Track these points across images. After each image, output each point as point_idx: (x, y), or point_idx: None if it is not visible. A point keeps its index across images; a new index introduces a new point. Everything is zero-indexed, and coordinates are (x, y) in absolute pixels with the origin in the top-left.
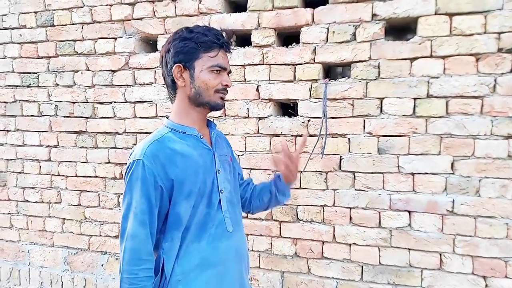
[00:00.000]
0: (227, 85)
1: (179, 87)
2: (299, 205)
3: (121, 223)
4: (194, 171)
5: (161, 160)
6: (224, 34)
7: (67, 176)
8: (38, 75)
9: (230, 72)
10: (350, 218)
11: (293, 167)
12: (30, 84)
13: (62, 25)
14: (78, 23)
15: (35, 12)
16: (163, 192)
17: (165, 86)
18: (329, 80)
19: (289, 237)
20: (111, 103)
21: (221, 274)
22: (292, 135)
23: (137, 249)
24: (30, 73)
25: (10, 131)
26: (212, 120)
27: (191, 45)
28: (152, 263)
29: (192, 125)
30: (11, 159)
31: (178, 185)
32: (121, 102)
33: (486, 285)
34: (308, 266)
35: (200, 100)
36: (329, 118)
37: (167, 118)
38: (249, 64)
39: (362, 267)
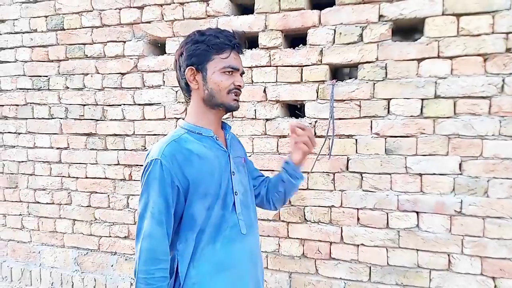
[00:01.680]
0: (239, 86)
1: (193, 89)
2: (307, 206)
3: (137, 223)
4: (210, 172)
5: (178, 160)
6: (236, 35)
7: (77, 178)
8: (49, 78)
9: (243, 73)
10: (358, 219)
11: (309, 135)
12: (41, 87)
13: (72, 28)
14: (88, 27)
15: (46, 16)
16: (180, 192)
17: (172, 89)
18: (336, 81)
19: (297, 238)
20: (120, 105)
21: (236, 277)
22: None
23: (153, 249)
24: (41, 76)
25: (21, 133)
26: (226, 122)
27: (203, 47)
28: (168, 263)
29: (208, 127)
30: (22, 161)
31: (194, 186)
32: (130, 105)
33: (495, 286)
34: (316, 266)
35: (214, 101)
36: (336, 119)
37: (183, 119)
38: (256, 66)
39: (370, 267)
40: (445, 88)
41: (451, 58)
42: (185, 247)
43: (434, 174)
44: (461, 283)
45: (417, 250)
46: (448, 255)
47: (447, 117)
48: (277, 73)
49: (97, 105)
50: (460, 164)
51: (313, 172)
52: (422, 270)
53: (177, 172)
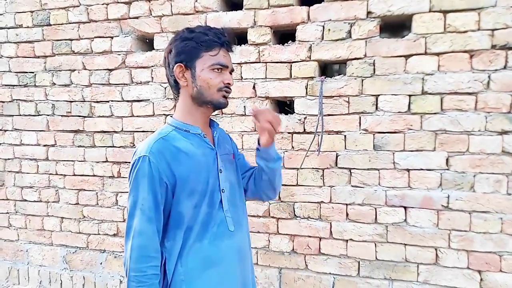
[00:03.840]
0: (229, 84)
1: (182, 87)
2: (296, 202)
3: (126, 221)
4: (197, 170)
5: (166, 157)
6: (225, 32)
7: (65, 175)
8: (35, 74)
9: (232, 70)
10: (347, 214)
11: (270, 114)
12: (27, 83)
13: (58, 24)
14: (75, 22)
15: (31, 12)
16: (168, 189)
17: (161, 85)
18: (325, 77)
19: (287, 234)
20: (108, 102)
21: (223, 273)
22: (288, 133)
23: (144, 246)
24: (27, 72)
25: (7, 130)
26: (215, 119)
27: (191, 44)
28: (159, 260)
29: (196, 124)
30: (8, 159)
31: (181, 183)
32: (118, 101)
33: (481, 279)
34: (305, 262)
35: (202, 99)
36: (325, 115)
37: (171, 117)
38: (246, 62)
39: (359, 262)
40: (432, 84)
41: (438, 54)
42: (173, 245)
43: (422, 169)
44: (448, 276)
45: (405, 244)
46: (436, 249)
47: (434, 113)
48: (266, 69)
49: (85, 101)
50: (447, 160)
51: (302, 168)
52: (410, 265)
53: (165, 169)
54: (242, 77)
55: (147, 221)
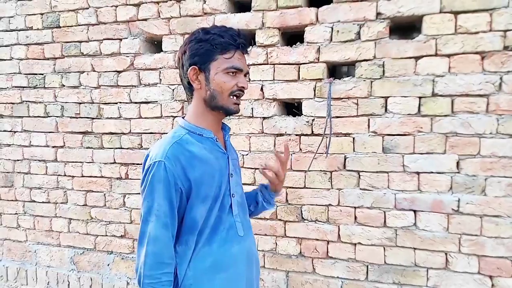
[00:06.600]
0: (243, 87)
1: (195, 89)
2: (304, 205)
3: (140, 226)
4: (211, 175)
5: (182, 162)
6: (241, 34)
7: (73, 177)
8: (45, 76)
9: (247, 73)
10: (355, 218)
11: (282, 175)
12: (37, 85)
13: (68, 26)
14: (84, 24)
15: (41, 14)
16: (182, 195)
17: (169, 87)
18: (334, 79)
19: (294, 237)
20: (116, 103)
21: (232, 278)
22: (296, 135)
23: (160, 252)
24: (36, 74)
25: (17, 132)
26: (226, 124)
27: (206, 46)
28: (173, 266)
29: (208, 128)
30: (18, 160)
31: (196, 189)
32: (126, 103)
33: (493, 285)
34: (313, 265)
35: (214, 103)
36: (333, 117)
37: (183, 118)
38: (254, 64)
39: (367, 266)
40: (443, 86)
41: (448, 56)
42: (185, 249)
43: (432, 172)
44: (459, 281)
45: (415, 248)
46: (446, 253)
47: (445, 116)
48: (274, 71)
49: (93, 103)
50: (457, 163)
51: (310, 171)
52: (419, 269)
53: (180, 174)
54: (250, 79)
55: (163, 227)
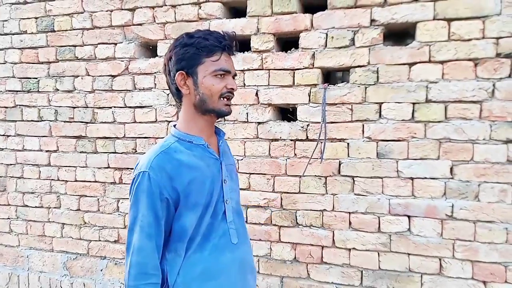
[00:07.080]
0: (232, 89)
1: (184, 95)
2: (299, 210)
3: (127, 236)
4: (201, 183)
5: (168, 171)
6: (226, 36)
7: (66, 181)
8: (39, 80)
9: (235, 75)
10: (350, 223)
11: None
12: (30, 89)
13: (62, 30)
14: (79, 29)
15: (36, 18)
16: (169, 204)
17: (164, 91)
18: (328, 85)
19: (289, 242)
20: (111, 108)
21: (223, 286)
22: (291, 140)
23: (143, 263)
24: (30, 78)
25: (10, 136)
26: (221, 128)
27: (192, 51)
28: (158, 277)
29: (200, 134)
30: (11, 164)
31: (184, 197)
32: (120, 107)
33: None
34: (307, 271)
35: (205, 107)
36: (328, 122)
37: (174, 126)
38: (249, 69)
39: (362, 272)
40: (436, 93)
41: (442, 62)
42: (174, 257)
43: (425, 178)
44: (452, 287)
45: (409, 254)
46: (440, 259)
47: (438, 121)
48: (269, 76)
49: (87, 107)
50: (451, 168)
51: (305, 176)
52: (413, 274)
53: (166, 184)
54: (245, 84)
55: (146, 238)
